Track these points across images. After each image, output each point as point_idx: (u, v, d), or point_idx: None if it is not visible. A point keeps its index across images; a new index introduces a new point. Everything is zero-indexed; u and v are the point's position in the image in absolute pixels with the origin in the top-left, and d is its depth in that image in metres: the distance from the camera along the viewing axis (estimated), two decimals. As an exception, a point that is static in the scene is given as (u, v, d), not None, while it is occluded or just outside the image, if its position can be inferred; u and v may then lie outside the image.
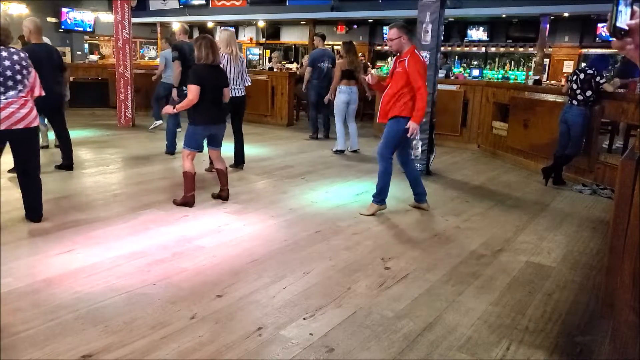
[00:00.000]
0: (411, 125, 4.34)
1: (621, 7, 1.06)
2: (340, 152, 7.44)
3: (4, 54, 3.70)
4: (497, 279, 3.37)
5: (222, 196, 4.91)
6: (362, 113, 11.47)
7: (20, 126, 3.76)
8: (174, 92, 6.58)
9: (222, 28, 6.08)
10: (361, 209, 4.76)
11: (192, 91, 4.45)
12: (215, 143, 4.86)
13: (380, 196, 4.64)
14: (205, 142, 4.98)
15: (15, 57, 3.75)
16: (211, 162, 5.65)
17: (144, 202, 4.77)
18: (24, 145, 3.90)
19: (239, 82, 5.95)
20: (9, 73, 3.68)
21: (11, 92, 3.71)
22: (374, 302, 2.96)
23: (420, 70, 4.39)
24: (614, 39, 1.09)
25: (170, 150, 6.96)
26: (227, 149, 6.13)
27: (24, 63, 3.79)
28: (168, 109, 4.82)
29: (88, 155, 6.91)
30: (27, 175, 4.01)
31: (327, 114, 8.83)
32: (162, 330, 2.57)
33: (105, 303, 2.82)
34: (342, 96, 7.44)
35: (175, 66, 6.49)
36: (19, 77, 3.75)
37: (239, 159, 6.28)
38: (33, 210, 4.07)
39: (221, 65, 5.03)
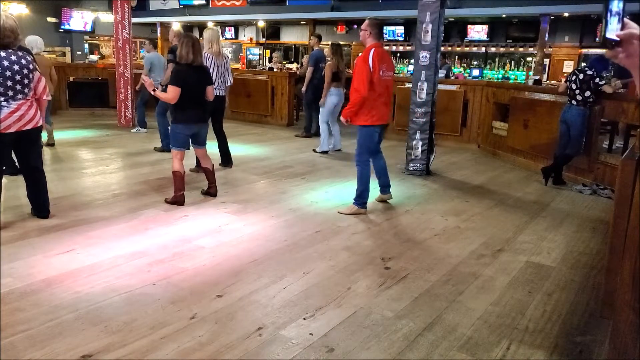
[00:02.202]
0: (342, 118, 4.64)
1: (609, 19, 1.10)
2: (324, 152, 7.47)
3: (13, 57, 3.71)
4: (497, 279, 3.37)
5: (211, 192, 5.00)
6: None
7: (29, 127, 3.84)
8: (159, 89, 6.61)
9: (207, 27, 6.11)
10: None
11: (171, 92, 4.51)
12: (199, 141, 4.90)
13: (360, 199, 4.66)
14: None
15: (23, 61, 3.78)
16: (198, 164, 5.65)
17: (144, 202, 4.77)
18: (33, 144, 3.99)
19: (219, 83, 5.96)
20: (18, 77, 3.71)
21: (19, 95, 3.76)
22: (374, 302, 2.96)
23: (359, 70, 4.41)
24: (605, 49, 1.16)
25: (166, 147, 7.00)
26: (212, 149, 6.13)
27: (30, 67, 3.83)
28: (148, 82, 4.71)
29: (88, 155, 6.91)
30: (36, 170, 4.07)
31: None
32: (162, 330, 2.57)
33: (105, 303, 2.82)
34: (333, 98, 7.46)
35: (169, 67, 6.48)
36: (26, 80, 3.79)
37: (226, 159, 6.29)
38: (41, 206, 4.13)
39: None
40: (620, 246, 2.50)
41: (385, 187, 5.00)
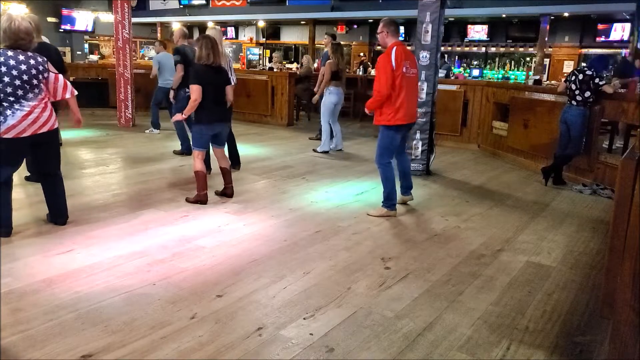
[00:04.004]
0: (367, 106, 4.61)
1: None
2: (325, 152, 7.48)
3: (21, 57, 3.62)
4: (497, 279, 3.37)
5: (227, 193, 5.01)
6: (361, 113, 11.49)
7: (44, 129, 3.72)
8: (171, 94, 6.56)
9: (209, 27, 6.06)
10: (362, 209, 4.76)
11: (195, 91, 4.54)
12: (219, 141, 4.95)
13: (389, 201, 4.61)
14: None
15: (32, 62, 3.66)
16: (208, 166, 5.65)
17: (144, 202, 4.77)
18: (49, 148, 3.89)
19: None
20: (25, 77, 3.60)
21: (30, 96, 3.65)
22: (374, 302, 2.96)
23: (380, 72, 4.36)
24: (638, 59, 1.18)
25: (186, 150, 6.98)
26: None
27: (40, 68, 3.71)
28: (177, 117, 4.86)
29: (88, 155, 6.91)
30: (54, 176, 4.00)
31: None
32: (162, 330, 2.57)
33: (105, 303, 2.82)
34: (333, 97, 7.47)
35: (177, 70, 6.42)
36: (35, 81, 3.67)
37: (234, 160, 6.27)
38: (59, 212, 4.04)
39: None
40: (620, 246, 2.50)
41: (407, 188, 4.93)
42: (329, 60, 7.49)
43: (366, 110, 4.69)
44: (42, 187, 4.05)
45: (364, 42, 19.22)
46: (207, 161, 5.48)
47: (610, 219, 2.91)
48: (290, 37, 21.26)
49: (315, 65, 13.02)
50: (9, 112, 3.55)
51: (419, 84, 6.19)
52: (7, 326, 2.54)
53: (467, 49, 17.25)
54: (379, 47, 18.99)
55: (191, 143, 4.87)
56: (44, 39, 6.20)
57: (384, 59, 4.37)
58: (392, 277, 3.33)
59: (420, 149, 6.28)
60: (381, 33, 4.53)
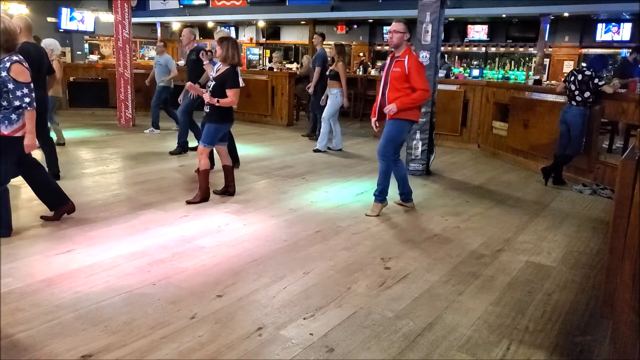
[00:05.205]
0: (390, 106, 4.41)
1: None
2: (319, 151, 7.53)
3: (25, 64, 3.59)
4: (497, 279, 3.37)
5: (229, 192, 5.05)
6: (361, 113, 11.50)
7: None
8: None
9: (219, 29, 6.09)
10: (362, 209, 4.76)
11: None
12: (225, 138, 5.07)
13: (382, 195, 4.66)
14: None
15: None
16: (212, 163, 5.67)
17: (144, 202, 4.77)
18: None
19: None
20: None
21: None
22: (374, 302, 2.96)
23: (420, 71, 4.48)
24: None
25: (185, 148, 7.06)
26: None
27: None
28: (206, 95, 4.71)
29: (88, 155, 6.91)
30: None
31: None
32: (162, 330, 2.57)
33: (105, 303, 2.82)
34: (340, 99, 7.53)
35: (208, 68, 6.39)
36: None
37: (234, 159, 6.26)
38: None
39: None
40: (620, 246, 2.49)
41: (409, 194, 4.87)
42: (340, 63, 7.50)
43: (395, 109, 4.38)
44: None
45: (364, 42, 19.21)
46: (210, 157, 5.51)
47: (610, 219, 2.91)
48: (290, 37, 21.25)
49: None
50: (13, 116, 3.57)
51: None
52: (7, 326, 2.54)
53: (467, 49, 17.26)
54: (379, 47, 19.00)
55: (202, 140, 4.82)
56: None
57: (416, 60, 4.48)
58: (392, 277, 3.33)
59: (420, 149, 6.28)
60: (404, 34, 4.51)
